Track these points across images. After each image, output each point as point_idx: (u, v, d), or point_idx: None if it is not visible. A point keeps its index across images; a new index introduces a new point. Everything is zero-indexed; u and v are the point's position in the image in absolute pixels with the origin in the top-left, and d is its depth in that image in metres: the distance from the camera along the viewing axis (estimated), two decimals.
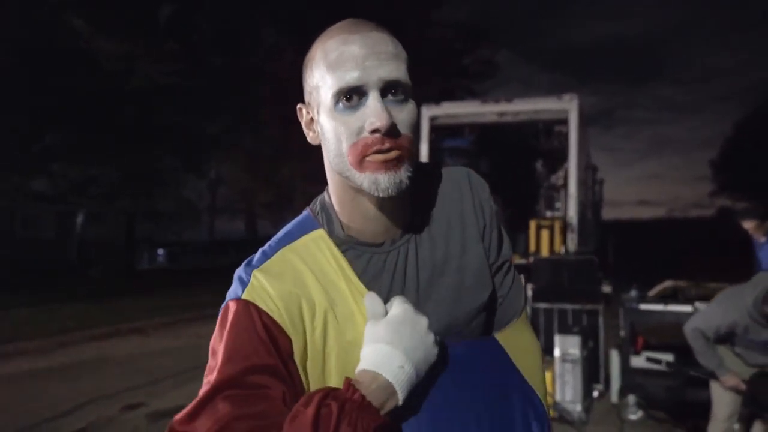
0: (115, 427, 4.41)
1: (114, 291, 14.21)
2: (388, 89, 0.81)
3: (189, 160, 20.09)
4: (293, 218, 0.96)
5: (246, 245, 26.81)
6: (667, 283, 4.91)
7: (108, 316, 9.89)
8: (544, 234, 5.74)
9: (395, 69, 0.81)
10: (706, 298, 4.45)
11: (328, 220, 0.91)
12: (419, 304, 0.87)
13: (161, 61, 15.49)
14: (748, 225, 4.33)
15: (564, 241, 5.67)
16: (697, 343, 3.06)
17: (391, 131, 0.79)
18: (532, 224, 5.87)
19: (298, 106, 0.91)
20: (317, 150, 0.88)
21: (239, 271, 0.88)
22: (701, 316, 3.16)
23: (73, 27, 14.24)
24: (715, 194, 35.91)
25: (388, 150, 0.80)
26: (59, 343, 7.78)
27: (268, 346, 0.79)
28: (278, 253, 0.88)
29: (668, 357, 4.65)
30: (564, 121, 6.09)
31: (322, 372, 0.84)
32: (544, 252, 5.65)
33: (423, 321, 0.80)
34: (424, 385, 0.82)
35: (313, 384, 0.83)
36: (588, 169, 6.90)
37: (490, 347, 0.92)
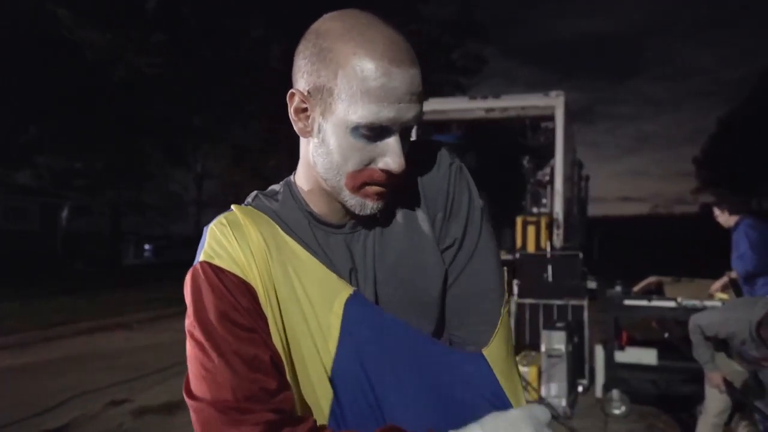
0: (99, 423, 4.38)
1: (99, 284, 14.12)
2: (407, 129, 0.81)
3: (175, 152, 19.97)
4: None
5: None
6: (651, 279, 4.96)
7: (93, 310, 9.82)
8: (530, 230, 5.77)
9: (419, 111, 0.80)
10: (690, 294, 4.52)
11: (293, 197, 0.91)
12: (374, 290, 0.87)
13: (147, 53, 15.34)
14: (717, 212, 4.48)
15: (550, 237, 5.70)
16: (695, 337, 3.16)
17: (402, 174, 0.81)
18: (519, 220, 5.89)
19: (291, 91, 0.86)
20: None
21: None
22: (707, 315, 3.23)
23: (57, 16, 14.05)
24: (698, 191, 36.30)
25: (386, 185, 0.82)
26: (44, 337, 7.71)
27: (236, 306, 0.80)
28: (241, 207, 0.91)
29: (652, 352, 4.72)
30: (550, 118, 6.13)
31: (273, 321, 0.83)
32: (530, 248, 5.68)
33: None
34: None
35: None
36: (574, 166, 6.95)
37: (481, 365, 0.86)
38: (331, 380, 0.82)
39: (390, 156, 0.79)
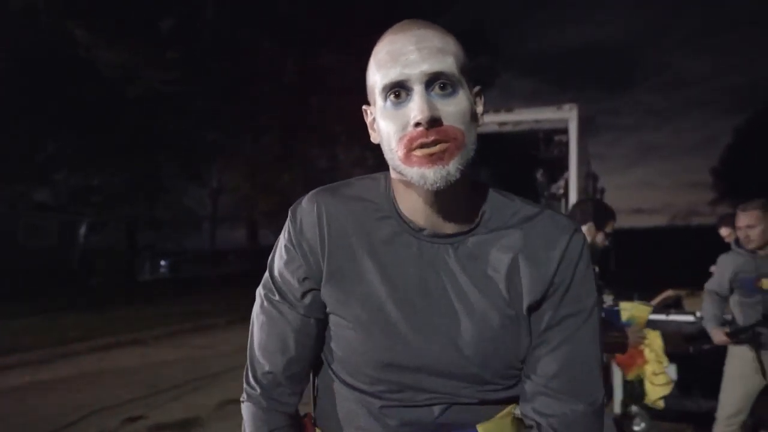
0: None
1: (115, 300, 14.21)
2: (432, 82, 0.82)
3: (189, 167, 20.15)
4: None
5: (247, 254, 26.78)
6: (669, 293, 4.90)
7: (109, 326, 9.87)
8: None
9: (438, 62, 0.82)
10: None
11: (387, 186, 0.96)
12: (434, 315, 0.87)
13: (161, 70, 15.55)
14: (725, 232, 4.41)
15: None
16: (708, 299, 3.38)
17: (433, 123, 0.80)
18: None
19: (363, 107, 0.95)
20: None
21: None
22: (711, 280, 3.45)
23: (74, 36, 14.30)
24: (715, 202, 35.87)
25: (434, 143, 0.81)
26: (61, 353, 7.76)
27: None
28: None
29: (671, 367, 4.64)
30: (564, 131, 6.10)
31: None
32: None
33: None
34: None
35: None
36: (589, 178, 6.89)
37: None
38: None
39: (416, 108, 0.80)
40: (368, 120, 0.93)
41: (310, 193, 0.96)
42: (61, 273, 19.27)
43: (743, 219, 3.13)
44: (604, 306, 2.87)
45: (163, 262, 27.73)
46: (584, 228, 2.67)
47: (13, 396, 5.66)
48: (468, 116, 0.84)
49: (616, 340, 2.48)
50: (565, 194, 6.00)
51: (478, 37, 23.58)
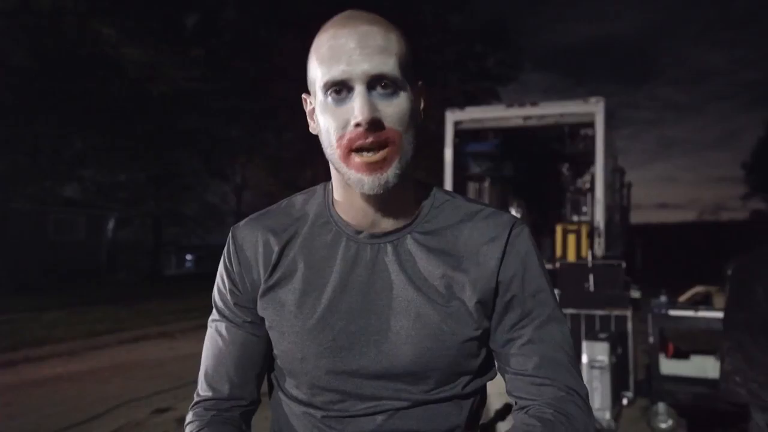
0: (145, 431, 4.47)
1: (142, 294, 14.44)
2: (375, 83, 0.81)
3: (212, 163, 20.40)
4: None
5: None
6: (698, 289, 4.81)
7: (137, 320, 10.05)
8: (571, 239, 5.68)
9: (381, 63, 0.80)
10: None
11: (325, 194, 0.97)
12: (371, 315, 0.88)
13: (185, 67, 15.76)
14: None
15: (591, 246, 5.60)
16: None
17: (374, 125, 0.80)
18: (559, 229, 5.80)
19: (303, 96, 0.93)
20: None
21: None
22: None
23: (101, 34, 14.55)
24: (747, 197, 35.07)
25: (372, 147, 0.81)
26: (90, 346, 7.92)
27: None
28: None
29: (698, 364, 4.56)
30: (590, 125, 6.02)
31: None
32: (571, 257, 5.58)
33: None
34: None
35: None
36: (615, 173, 6.80)
37: None
38: None
39: (356, 109, 0.80)
40: (307, 109, 0.93)
41: (250, 215, 0.98)
42: (89, 267, 19.66)
43: None
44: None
45: (189, 257, 28.13)
46: None
47: (46, 386, 5.80)
48: (407, 118, 0.84)
49: None
50: (592, 189, 5.94)
51: (500, 33, 23.43)
